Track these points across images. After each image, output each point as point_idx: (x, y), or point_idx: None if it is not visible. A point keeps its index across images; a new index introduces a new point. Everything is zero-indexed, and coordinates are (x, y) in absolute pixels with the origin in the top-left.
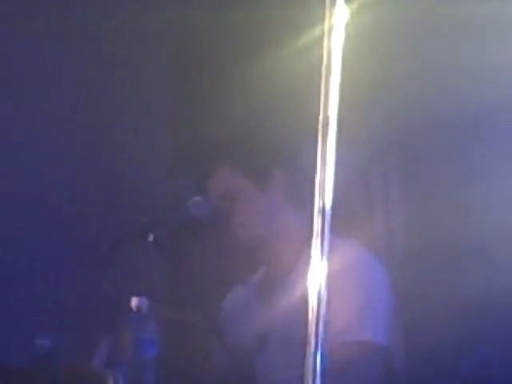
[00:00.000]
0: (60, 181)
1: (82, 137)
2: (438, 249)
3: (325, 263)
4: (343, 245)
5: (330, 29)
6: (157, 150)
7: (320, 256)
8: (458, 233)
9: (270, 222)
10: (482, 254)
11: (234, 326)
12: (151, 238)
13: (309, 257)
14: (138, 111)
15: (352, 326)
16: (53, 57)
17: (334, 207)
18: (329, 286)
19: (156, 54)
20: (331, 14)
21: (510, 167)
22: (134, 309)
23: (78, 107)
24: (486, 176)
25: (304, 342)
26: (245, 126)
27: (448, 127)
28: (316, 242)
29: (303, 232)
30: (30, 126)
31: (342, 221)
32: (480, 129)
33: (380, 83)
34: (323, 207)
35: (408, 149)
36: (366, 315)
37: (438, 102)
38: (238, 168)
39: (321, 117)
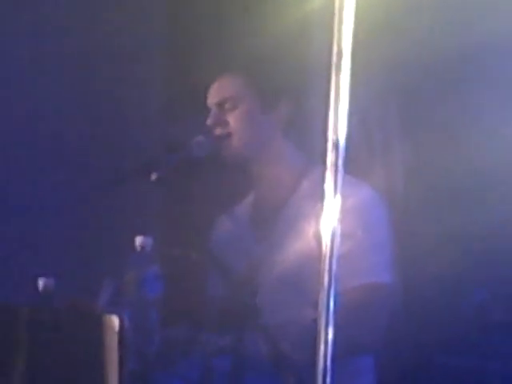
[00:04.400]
0: (61, 119)
1: (83, 76)
2: (437, 191)
3: (338, 198)
4: (349, 183)
5: None
6: (159, 88)
7: (334, 191)
8: (457, 175)
9: (262, 146)
10: (481, 196)
11: (227, 259)
12: (154, 177)
13: (306, 191)
14: (138, 47)
15: (361, 269)
16: None
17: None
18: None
19: None
20: None
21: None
22: (138, 248)
23: (76, 49)
24: (486, 117)
25: (312, 280)
26: (263, 47)
27: (449, 69)
28: (329, 177)
29: (299, 166)
30: (28, 69)
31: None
32: (480, 71)
33: (383, 26)
34: (337, 141)
35: (409, 91)
36: (374, 256)
37: (439, 44)
38: (248, 79)
39: (334, 49)
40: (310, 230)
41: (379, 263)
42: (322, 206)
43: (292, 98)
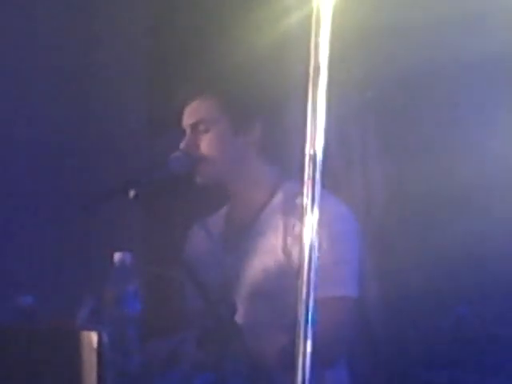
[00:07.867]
0: (39, 136)
1: (62, 95)
2: (415, 204)
3: (316, 211)
4: (321, 196)
5: None
6: (137, 105)
7: (311, 203)
8: (436, 190)
9: (235, 168)
10: (459, 210)
11: (201, 272)
12: (132, 194)
13: (278, 205)
14: (118, 65)
15: (324, 282)
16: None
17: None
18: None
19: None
20: None
21: (489, 121)
22: (117, 264)
23: (57, 65)
24: (463, 132)
25: (285, 294)
26: (237, 68)
27: (426, 85)
28: (307, 190)
29: (271, 181)
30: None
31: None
32: (456, 87)
33: (360, 43)
34: (314, 155)
35: (386, 104)
36: (338, 270)
37: (417, 60)
38: (221, 101)
39: (312, 64)
40: (281, 244)
41: (344, 277)
42: (297, 219)
43: (266, 118)
